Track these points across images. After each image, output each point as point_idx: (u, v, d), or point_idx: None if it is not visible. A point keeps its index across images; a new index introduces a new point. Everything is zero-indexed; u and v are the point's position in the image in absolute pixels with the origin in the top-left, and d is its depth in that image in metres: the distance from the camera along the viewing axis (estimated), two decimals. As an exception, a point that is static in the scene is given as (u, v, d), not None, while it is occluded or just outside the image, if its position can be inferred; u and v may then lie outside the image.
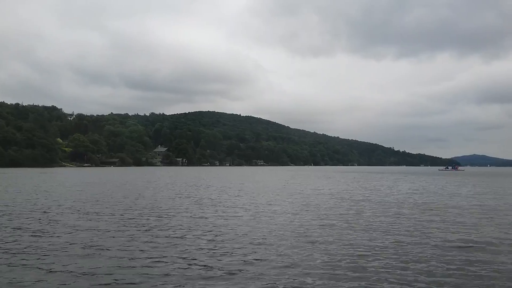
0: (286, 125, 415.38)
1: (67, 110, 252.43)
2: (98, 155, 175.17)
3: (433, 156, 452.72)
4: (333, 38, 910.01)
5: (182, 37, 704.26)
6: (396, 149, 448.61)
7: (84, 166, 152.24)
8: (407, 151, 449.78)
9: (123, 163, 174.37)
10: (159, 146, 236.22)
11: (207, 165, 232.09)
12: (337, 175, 79.97)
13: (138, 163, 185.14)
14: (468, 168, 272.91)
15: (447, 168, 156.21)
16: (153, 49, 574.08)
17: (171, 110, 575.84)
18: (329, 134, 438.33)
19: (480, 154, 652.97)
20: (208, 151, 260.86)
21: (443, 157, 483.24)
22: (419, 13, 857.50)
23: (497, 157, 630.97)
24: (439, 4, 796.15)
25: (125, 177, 63.69)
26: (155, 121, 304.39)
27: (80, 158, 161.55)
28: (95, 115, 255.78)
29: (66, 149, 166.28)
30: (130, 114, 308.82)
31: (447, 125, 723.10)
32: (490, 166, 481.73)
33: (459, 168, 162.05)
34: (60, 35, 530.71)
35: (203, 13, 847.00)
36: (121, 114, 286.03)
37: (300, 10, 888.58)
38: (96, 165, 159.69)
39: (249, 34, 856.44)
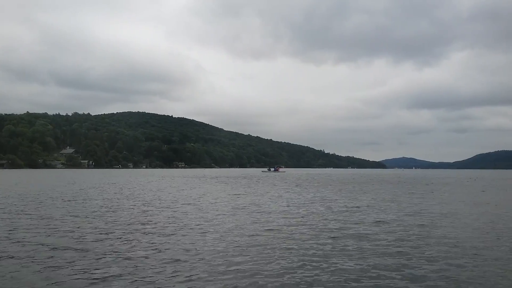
0: (220, 127, 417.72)
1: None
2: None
3: (360, 159, 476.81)
4: (275, 41, 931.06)
5: (119, 34, 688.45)
6: (326, 152, 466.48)
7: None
8: (336, 154, 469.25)
9: (13, 165, 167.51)
10: (68, 147, 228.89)
11: (119, 168, 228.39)
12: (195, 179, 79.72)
13: (33, 165, 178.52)
14: (392, 171, 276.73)
15: (270, 169, 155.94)
16: (88, 46, 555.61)
17: (106, 110, 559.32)
18: (264, 137, 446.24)
19: (409, 157, 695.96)
20: (125, 152, 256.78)
21: (371, 160, 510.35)
22: (358, 19, 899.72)
23: (424, 159, 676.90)
24: (376, 11, 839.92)
25: None
26: (76, 121, 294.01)
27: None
28: (3, 114, 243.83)
29: None
30: (49, 113, 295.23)
31: (381, 129, 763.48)
32: (415, 168, 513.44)
33: (280, 169, 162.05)
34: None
35: (141, 10, 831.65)
36: (38, 113, 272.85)
37: (242, 11, 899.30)
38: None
39: (190, 33, 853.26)
